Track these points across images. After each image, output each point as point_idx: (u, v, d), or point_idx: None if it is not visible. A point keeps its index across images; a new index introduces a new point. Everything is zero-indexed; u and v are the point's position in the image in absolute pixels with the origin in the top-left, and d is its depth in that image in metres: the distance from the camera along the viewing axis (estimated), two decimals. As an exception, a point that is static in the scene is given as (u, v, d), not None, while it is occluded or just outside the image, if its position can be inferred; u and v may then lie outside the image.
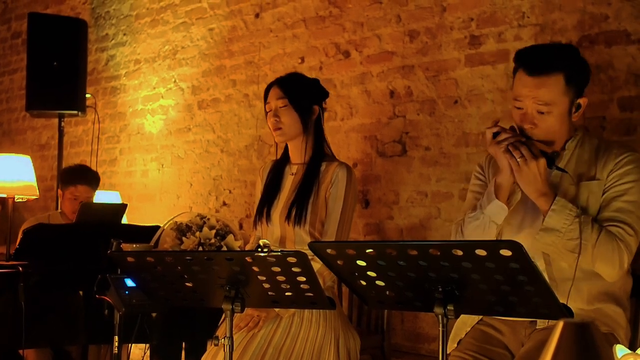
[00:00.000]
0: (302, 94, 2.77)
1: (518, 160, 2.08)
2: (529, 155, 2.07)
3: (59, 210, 4.09)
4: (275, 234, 2.74)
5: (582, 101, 2.19)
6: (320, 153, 2.79)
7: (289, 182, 2.79)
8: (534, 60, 2.15)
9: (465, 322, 2.26)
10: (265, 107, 2.81)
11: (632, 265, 2.34)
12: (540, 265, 2.12)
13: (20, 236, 3.60)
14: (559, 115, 2.14)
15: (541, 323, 2.14)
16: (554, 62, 2.13)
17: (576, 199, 2.11)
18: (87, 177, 4.02)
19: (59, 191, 4.02)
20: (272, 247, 1.86)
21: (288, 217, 2.69)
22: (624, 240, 2.06)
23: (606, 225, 2.08)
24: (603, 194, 2.13)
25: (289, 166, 2.84)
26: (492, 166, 2.32)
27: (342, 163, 2.76)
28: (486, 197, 2.19)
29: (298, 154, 2.80)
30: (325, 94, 2.87)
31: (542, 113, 2.13)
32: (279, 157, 2.90)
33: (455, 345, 2.21)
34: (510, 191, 2.18)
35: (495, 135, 2.14)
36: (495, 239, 2.18)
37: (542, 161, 2.07)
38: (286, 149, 2.87)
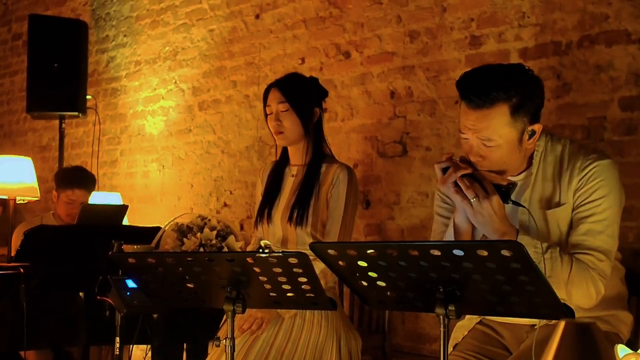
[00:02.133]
0: (303, 98, 2.76)
1: (471, 200, 1.92)
2: (482, 193, 1.92)
3: (52, 212, 4.08)
4: (277, 235, 2.74)
5: (536, 127, 1.99)
6: (320, 154, 2.79)
7: (290, 184, 2.78)
8: (474, 91, 1.95)
9: (463, 324, 2.26)
10: (265, 109, 2.80)
11: (632, 264, 2.34)
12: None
13: (14, 238, 3.60)
14: (506, 147, 1.96)
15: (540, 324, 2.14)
16: (496, 93, 1.92)
17: (546, 227, 2.01)
18: (85, 181, 4.01)
19: (54, 192, 4.01)
20: (273, 248, 1.87)
21: (290, 219, 2.69)
22: (597, 268, 1.96)
23: (576, 253, 1.98)
24: (572, 212, 2.00)
25: (288, 168, 2.83)
26: None
27: (343, 164, 2.76)
28: (448, 238, 2.08)
29: (298, 156, 2.80)
30: (324, 93, 2.86)
31: (488, 146, 1.96)
32: (278, 158, 2.90)
33: (451, 349, 2.19)
34: (472, 226, 2.04)
35: (445, 170, 1.99)
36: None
37: (495, 198, 1.91)
38: (285, 150, 2.86)
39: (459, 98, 2.02)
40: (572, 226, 2.02)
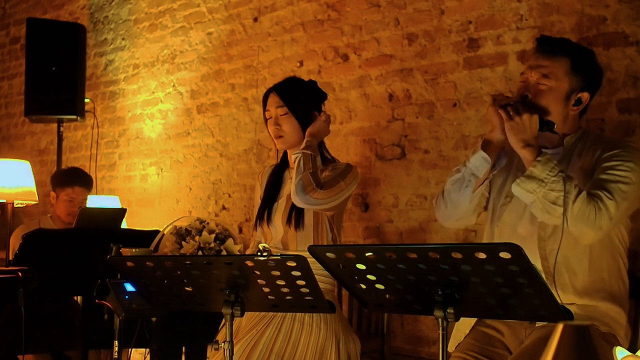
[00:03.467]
0: (301, 101, 2.77)
1: (511, 113, 2.11)
2: (524, 109, 2.11)
3: (49, 214, 4.08)
4: (277, 237, 2.74)
5: (582, 96, 2.22)
6: (320, 157, 2.80)
7: (289, 187, 2.79)
8: (549, 41, 2.26)
9: (464, 324, 2.26)
10: (264, 114, 2.81)
11: (631, 266, 2.34)
12: (536, 261, 2.11)
13: (12, 241, 3.60)
14: (557, 95, 2.19)
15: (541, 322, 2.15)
16: (565, 48, 2.23)
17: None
18: (83, 178, 4.02)
19: (52, 194, 4.01)
20: (272, 251, 1.86)
21: (289, 221, 2.69)
22: (603, 202, 2.06)
23: (588, 188, 2.10)
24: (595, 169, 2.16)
25: (288, 171, 2.84)
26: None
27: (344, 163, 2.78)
28: (472, 152, 2.23)
29: (298, 160, 2.80)
30: (323, 96, 2.87)
31: (541, 85, 2.18)
32: (278, 162, 2.91)
33: (453, 348, 2.21)
34: (499, 153, 2.23)
35: (495, 100, 2.20)
36: (472, 191, 2.22)
37: (535, 117, 2.11)
38: (285, 153, 2.87)
39: (532, 49, 2.35)
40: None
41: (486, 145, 2.21)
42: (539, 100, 2.19)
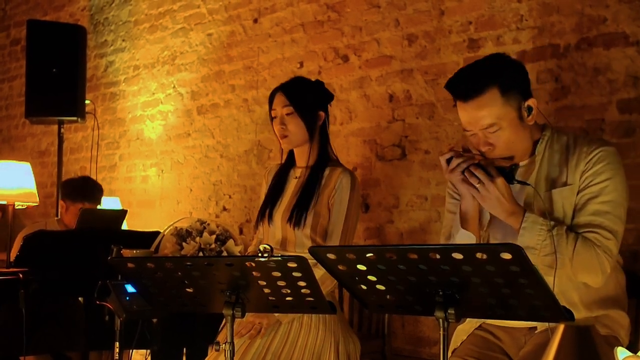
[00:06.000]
0: (307, 101, 2.78)
1: (477, 186, 2.01)
2: (486, 178, 2.00)
3: (57, 217, 4.08)
4: (277, 236, 2.74)
5: (530, 102, 2.07)
6: (324, 157, 2.80)
7: (292, 185, 2.80)
8: (462, 86, 2.07)
9: (463, 329, 2.25)
10: (270, 113, 2.82)
11: (631, 266, 2.34)
12: None
13: (16, 244, 3.60)
14: (510, 127, 2.05)
15: (541, 327, 2.14)
16: (482, 79, 2.04)
17: (550, 206, 2.06)
18: (94, 194, 4.00)
19: (62, 203, 4.01)
20: (274, 250, 1.86)
21: (290, 220, 2.69)
22: (602, 245, 2.01)
23: (582, 232, 2.02)
24: (577, 194, 2.06)
25: (293, 170, 2.85)
26: None
27: (346, 169, 2.77)
28: (454, 227, 2.15)
29: (303, 158, 2.81)
30: (329, 97, 2.88)
31: (493, 132, 2.04)
32: (284, 161, 2.91)
33: (450, 354, 2.19)
34: (479, 214, 2.13)
35: (449, 161, 2.06)
36: None
37: (500, 180, 2.00)
38: (291, 152, 2.88)
39: (453, 101, 2.11)
40: (576, 209, 2.07)
41: (464, 218, 2.11)
42: (501, 145, 2.05)
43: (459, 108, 2.09)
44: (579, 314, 2.08)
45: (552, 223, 2.00)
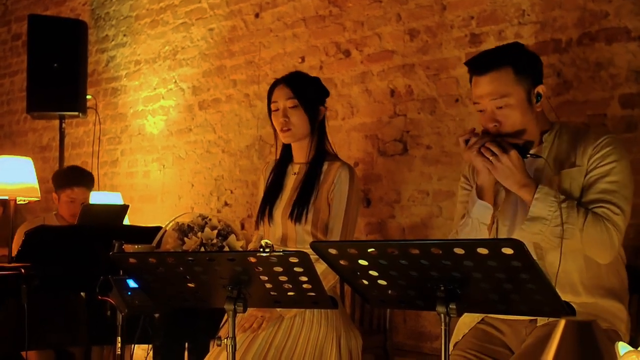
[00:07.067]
0: (311, 95, 2.76)
1: (490, 158, 2.10)
2: (499, 151, 2.10)
3: (55, 212, 4.08)
4: (277, 232, 2.74)
5: (540, 89, 2.20)
6: (322, 152, 2.78)
7: (291, 181, 2.78)
8: (480, 61, 2.24)
9: (464, 323, 2.26)
10: (270, 106, 2.78)
11: (633, 261, 2.34)
12: None
13: (15, 239, 3.60)
14: (518, 106, 2.16)
15: (541, 321, 2.14)
16: (499, 58, 2.19)
17: (559, 187, 2.13)
18: (83, 178, 4.02)
19: (54, 195, 4.02)
20: (275, 247, 1.86)
21: (290, 216, 2.69)
22: (611, 220, 2.07)
23: (592, 207, 2.09)
24: (585, 176, 2.14)
25: (291, 165, 2.83)
26: (474, 174, 2.31)
27: (345, 163, 2.75)
28: (471, 201, 2.22)
29: (302, 154, 2.79)
30: (326, 93, 2.86)
31: (501, 108, 2.16)
32: (279, 156, 2.89)
33: (452, 347, 2.20)
34: (494, 191, 2.20)
35: (467, 142, 2.17)
36: (489, 232, 2.19)
37: (514, 153, 2.09)
38: (286, 148, 2.85)
39: (469, 80, 2.25)
40: (584, 189, 2.14)
41: (480, 191, 2.20)
42: (508, 124, 2.17)
43: (474, 84, 2.22)
44: (579, 298, 2.10)
45: (563, 197, 2.07)
